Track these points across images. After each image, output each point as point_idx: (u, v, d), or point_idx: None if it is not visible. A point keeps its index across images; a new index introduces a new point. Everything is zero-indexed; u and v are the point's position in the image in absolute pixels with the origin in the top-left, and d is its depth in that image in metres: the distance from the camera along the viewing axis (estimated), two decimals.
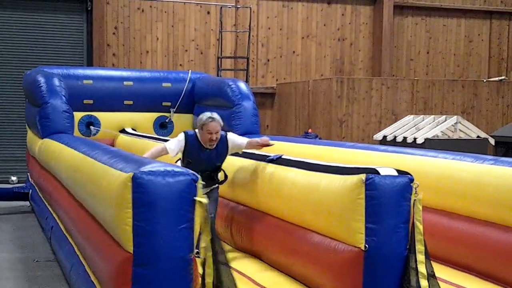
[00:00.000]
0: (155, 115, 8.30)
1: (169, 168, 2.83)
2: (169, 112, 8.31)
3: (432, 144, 8.20)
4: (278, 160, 3.94)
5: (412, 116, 9.54)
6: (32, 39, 10.78)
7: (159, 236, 2.75)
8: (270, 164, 3.99)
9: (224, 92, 7.59)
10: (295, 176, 3.63)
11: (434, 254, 3.96)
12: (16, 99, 10.26)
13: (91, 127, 7.89)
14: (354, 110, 10.03)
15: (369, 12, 12.53)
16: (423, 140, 8.43)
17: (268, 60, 12.05)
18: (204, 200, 2.81)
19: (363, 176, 3.05)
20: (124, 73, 8.27)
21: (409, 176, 3.11)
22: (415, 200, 3.09)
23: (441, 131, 8.78)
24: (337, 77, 10.29)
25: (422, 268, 3.04)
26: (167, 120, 8.33)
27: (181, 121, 8.39)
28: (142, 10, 11.26)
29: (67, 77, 7.69)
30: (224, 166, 4.31)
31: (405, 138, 8.78)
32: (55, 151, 5.62)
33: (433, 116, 9.22)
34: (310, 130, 9.90)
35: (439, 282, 3.15)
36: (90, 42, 10.96)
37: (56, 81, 7.19)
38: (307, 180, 3.49)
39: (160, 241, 2.75)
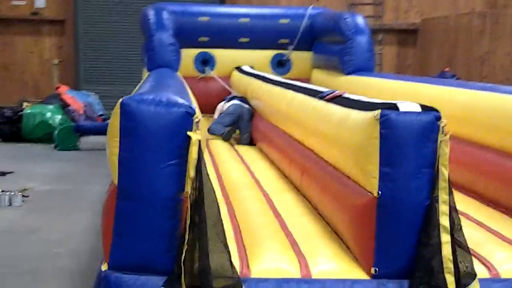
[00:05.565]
0: (272, 52, 8.05)
1: (163, 98, 2.62)
2: (287, 49, 8.01)
3: None
4: (326, 97, 3.58)
5: None
6: None
7: (145, 170, 2.57)
8: (318, 100, 3.65)
9: (338, 26, 7.16)
10: (331, 113, 3.28)
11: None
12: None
13: (206, 67, 7.85)
14: (497, 47, 9.11)
15: None
16: None
17: None
18: (197, 136, 2.56)
19: (377, 113, 2.65)
20: (241, 10, 8.09)
21: (435, 112, 2.65)
22: (441, 141, 2.63)
23: None
24: (480, 11, 9.38)
25: (444, 221, 2.60)
26: (284, 58, 8.06)
27: (300, 59, 8.09)
28: None
29: (183, 14, 7.64)
30: (271, 98, 4.09)
31: None
32: None
33: None
34: (447, 69, 9.16)
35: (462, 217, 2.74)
36: None
37: (165, 15, 7.19)
38: (339, 117, 3.14)
39: (145, 175, 2.57)
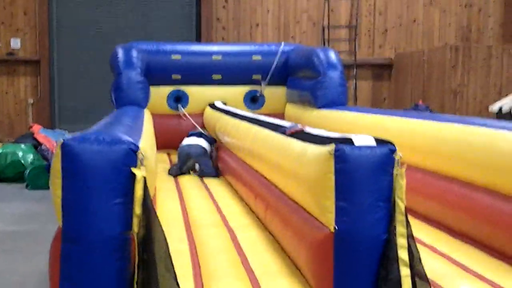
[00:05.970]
0: (245, 88, 8.03)
1: (106, 135, 2.54)
2: (260, 85, 8.01)
3: None
4: (287, 132, 3.55)
5: None
6: (141, 13, 11.00)
7: (89, 211, 2.47)
8: (280, 135, 3.62)
9: (311, 61, 7.18)
10: (292, 148, 3.25)
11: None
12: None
13: (179, 105, 7.82)
14: (470, 80, 9.19)
15: None
16: None
17: (386, 30, 11.40)
18: (141, 172, 2.50)
19: (331, 147, 2.62)
20: (214, 48, 8.09)
21: (389, 146, 2.63)
22: (396, 174, 2.60)
23: None
24: (451, 45, 9.47)
25: (403, 254, 2.56)
26: (258, 94, 8.04)
27: (274, 94, 8.08)
28: None
29: (156, 53, 7.64)
30: (238, 132, 4.09)
31: None
32: None
33: None
34: (420, 102, 9.21)
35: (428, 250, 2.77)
36: (199, 16, 10.94)
37: (134, 53, 7.18)
38: (298, 151, 3.11)
39: (89, 216, 2.47)
